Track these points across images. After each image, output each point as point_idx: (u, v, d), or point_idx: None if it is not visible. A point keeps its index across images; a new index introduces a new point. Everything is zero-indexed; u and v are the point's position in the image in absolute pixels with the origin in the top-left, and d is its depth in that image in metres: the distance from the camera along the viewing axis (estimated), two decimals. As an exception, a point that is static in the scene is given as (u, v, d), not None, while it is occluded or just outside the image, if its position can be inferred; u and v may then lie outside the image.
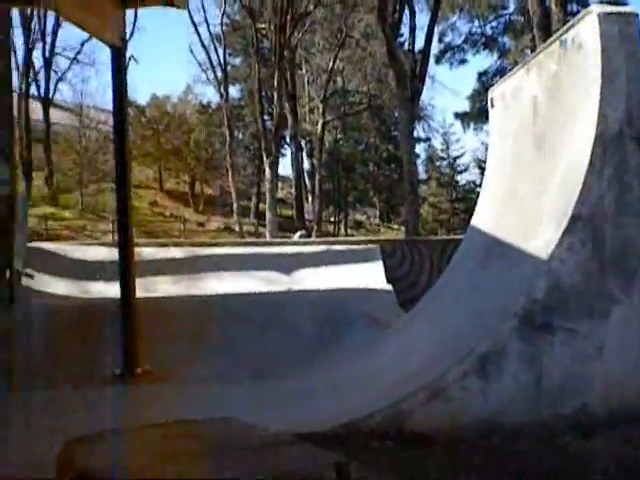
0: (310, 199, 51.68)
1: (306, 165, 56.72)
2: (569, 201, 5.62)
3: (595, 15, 5.73)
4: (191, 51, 63.37)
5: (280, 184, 51.07)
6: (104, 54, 51.69)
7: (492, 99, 8.35)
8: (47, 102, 44.12)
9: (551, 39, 6.68)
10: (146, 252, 12.13)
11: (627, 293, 5.56)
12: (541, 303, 5.43)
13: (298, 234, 28.88)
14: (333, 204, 60.62)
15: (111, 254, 10.35)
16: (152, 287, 10.74)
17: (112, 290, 9.01)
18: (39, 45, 42.40)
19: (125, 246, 8.64)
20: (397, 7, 29.50)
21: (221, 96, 43.70)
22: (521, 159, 7.15)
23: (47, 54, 43.22)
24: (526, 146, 7.00)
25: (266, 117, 42.60)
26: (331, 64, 46.55)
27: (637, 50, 5.77)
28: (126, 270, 8.58)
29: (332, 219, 60.61)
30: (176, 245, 13.90)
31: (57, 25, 42.06)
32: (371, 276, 11.87)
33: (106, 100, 48.50)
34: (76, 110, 48.97)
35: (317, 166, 49.63)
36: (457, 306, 6.99)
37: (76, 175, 46.57)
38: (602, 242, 5.57)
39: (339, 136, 61.18)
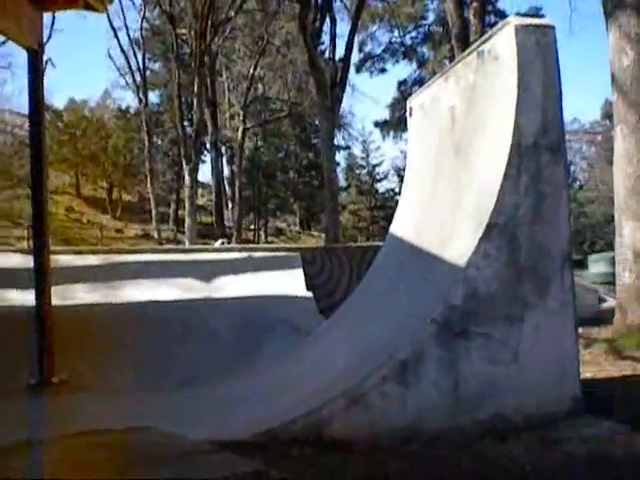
0: (230, 206, 51.46)
1: (226, 172, 56.56)
2: (486, 209, 5.72)
3: (512, 27, 5.85)
4: (110, 56, 62.56)
5: (200, 191, 50.79)
6: (21, 57, 50.72)
7: (411, 108, 8.45)
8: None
9: (469, 50, 6.81)
10: (62, 259, 11.89)
11: (542, 298, 5.69)
12: (459, 310, 5.51)
13: (219, 242, 28.82)
14: (253, 211, 60.57)
15: (26, 261, 10.10)
16: (69, 295, 10.52)
17: (27, 299, 8.80)
18: (-49, 47, 41.24)
19: (40, 253, 8.45)
20: (318, 15, 29.63)
21: (140, 101, 43.18)
22: (440, 168, 7.25)
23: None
24: (445, 155, 7.10)
25: (186, 123, 42.27)
26: (252, 71, 46.48)
27: (553, 62, 5.91)
28: (41, 278, 8.39)
29: (252, 226, 60.53)
30: (93, 252, 13.65)
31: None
32: (291, 283, 11.86)
33: (22, 104, 47.57)
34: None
35: (237, 173, 49.49)
36: (377, 312, 7.04)
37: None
38: (518, 249, 5.69)
39: (259, 143, 61.19)
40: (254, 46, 48.12)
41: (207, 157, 54.32)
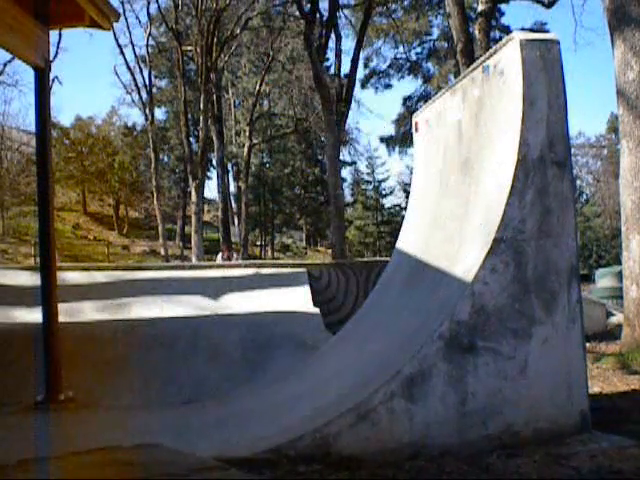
0: (237, 222, 51.53)
1: (233, 188, 56.58)
2: (492, 224, 5.71)
3: (517, 42, 5.85)
4: (116, 73, 63.02)
5: (206, 207, 50.94)
6: (27, 75, 50.96)
7: (417, 123, 8.47)
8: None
9: (474, 65, 6.80)
10: (70, 276, 11.90)
11: (549, 314, 5.67)
12: (465, 325, 5.49)
13: (219, 256, 28.99)
14: (259, 227, 60.62)
15: (33, 279, 10.12)
16: (76, 313, 10.53)
17: (34, 316, 8.80)
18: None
19: (47, 270, 8.45)
20: (323, 32, 29.72)
21: (146, 118, 43.29)
22: (447, 183, 7.25)
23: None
24: (451, 170, 7.10)
25: (192, 140, 42.31)
26: (257, 88, 46.64)
27: (558, 76, 5.91)
28: (48, 295, 8.38)
29: (258, 242, 60.57)
30: (100, 269, 13.67)
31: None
32: (298, 299, 11.85)
33: (29, 121, 47.79)
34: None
35: (243, 189, 49.56)
36: (384, 328, 7.03)
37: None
38: (525, 264, 5.67)
39: (266, 159, 61.29)
40: (260, 63, 48.37)
41: (213, 173, 54.51)
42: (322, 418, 5.37)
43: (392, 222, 64.49)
